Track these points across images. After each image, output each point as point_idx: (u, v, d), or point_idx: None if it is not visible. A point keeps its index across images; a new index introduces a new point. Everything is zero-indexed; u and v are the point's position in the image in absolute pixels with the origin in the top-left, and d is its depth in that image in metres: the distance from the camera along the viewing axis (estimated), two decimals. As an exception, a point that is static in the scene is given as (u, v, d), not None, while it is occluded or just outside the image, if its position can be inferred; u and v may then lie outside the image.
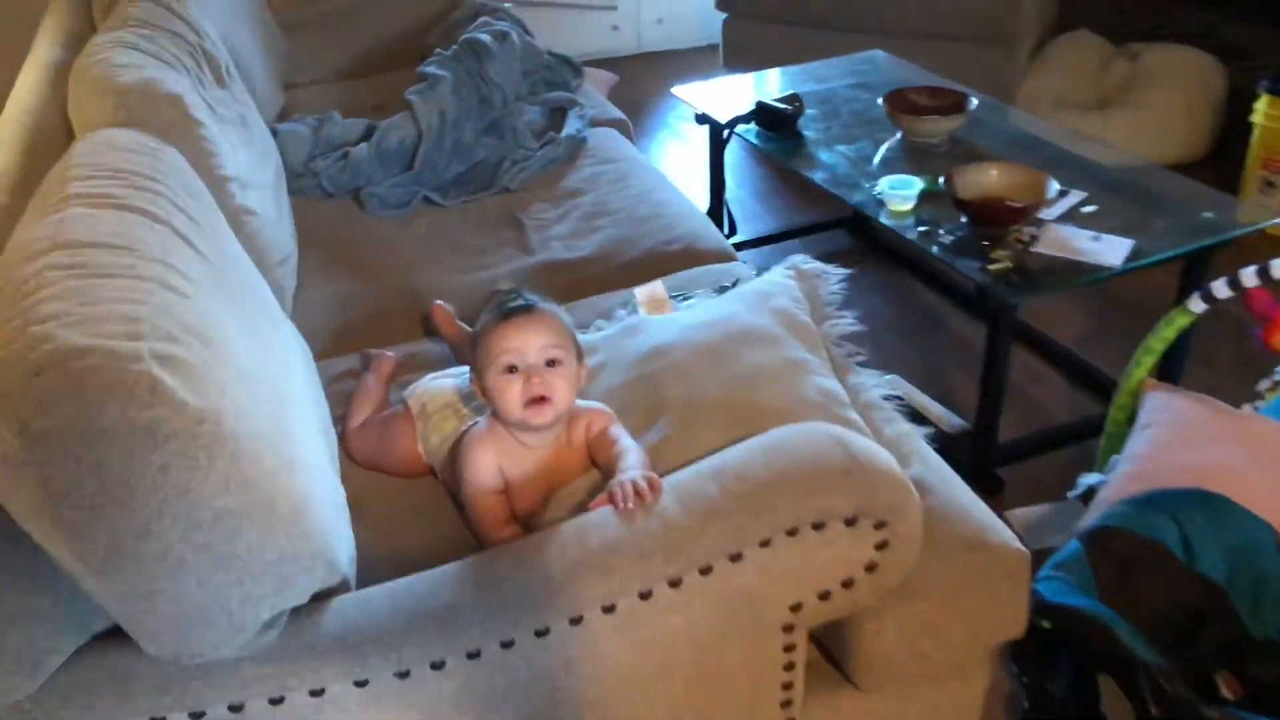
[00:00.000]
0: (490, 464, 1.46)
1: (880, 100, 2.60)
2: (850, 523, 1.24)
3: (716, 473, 1.28)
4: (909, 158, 2.50)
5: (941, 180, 2.19)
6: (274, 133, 2.48)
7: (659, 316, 1.74)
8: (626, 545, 1.22)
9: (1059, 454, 2.30)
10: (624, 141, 2.75)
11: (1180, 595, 1.67)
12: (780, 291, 1.71)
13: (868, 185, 2.36)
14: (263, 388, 1.26)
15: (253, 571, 1.11)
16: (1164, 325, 2.01)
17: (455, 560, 1.28)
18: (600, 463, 1.47)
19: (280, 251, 2.06)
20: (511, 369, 1.41)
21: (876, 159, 2.51)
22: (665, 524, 1.23)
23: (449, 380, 1.68)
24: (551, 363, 1.42)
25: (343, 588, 1.28)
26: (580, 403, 1.51)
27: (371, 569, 1.38)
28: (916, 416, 1.71)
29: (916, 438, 1.52)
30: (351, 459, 1.72)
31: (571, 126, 2.67)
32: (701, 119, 2.89)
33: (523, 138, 2.61)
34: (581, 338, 1.77)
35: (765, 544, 1.22)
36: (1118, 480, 1.87)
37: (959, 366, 2.65)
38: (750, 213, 3.38)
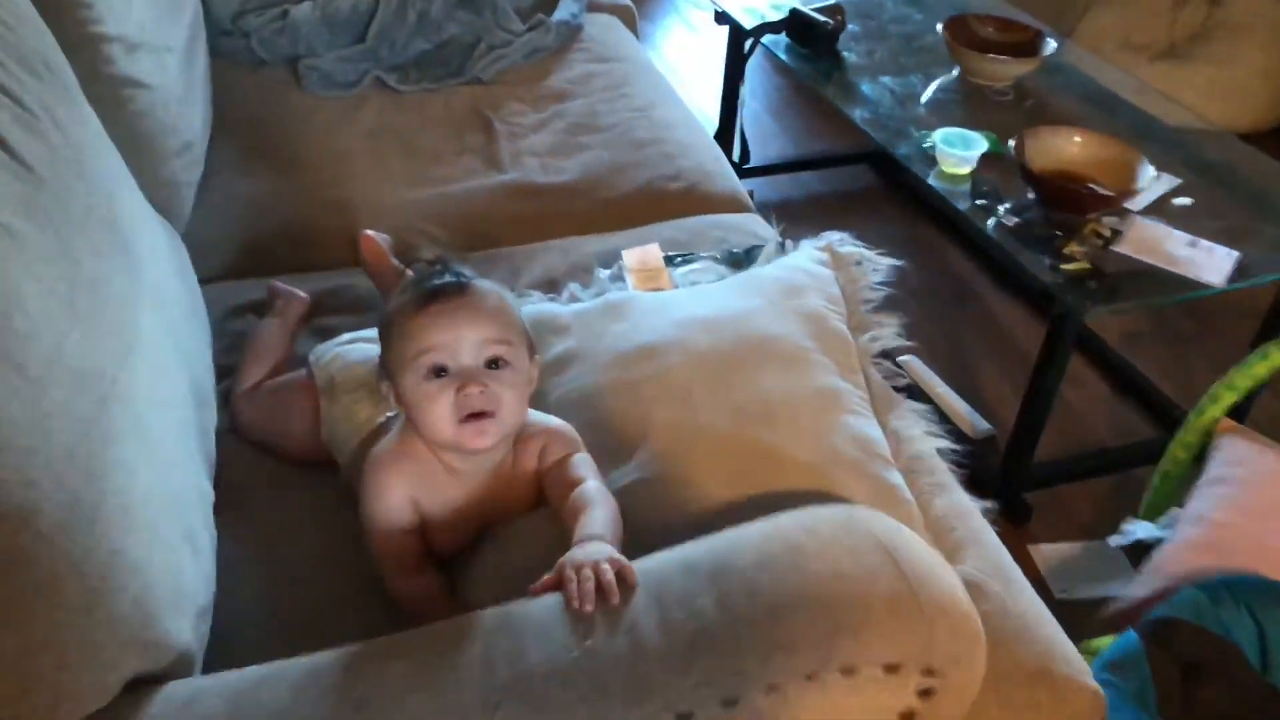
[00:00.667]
0: (400, 495, 1.08)
1: (939, 27, 2.15)
2: (892, 669, 0.88)
3: (715, 573, 0.91)
4: (965, 103, 2.08)
5: (1011, 143, 1.77)
6: (197, -26, 1.99)
7: (651, 294, 1.34)
8: (577, 673, 0.86)
9: (1098, 481, 1.96)
10: (626, 34, 2.29)
11: (1252, 713, 1.35)
12: (810, 284, 1.32)
13: (917, 134, 1.94)
14: (66, 387, 0.86)
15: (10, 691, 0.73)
16: (1256, 360, 1.65)
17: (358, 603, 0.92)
18: (553, 504, 1.10)
19: (180, 137, 1.62)
20: (438, 372, 1.02)
21: (925, 97, 2.09)
22: (635, 647, 0.87)
23: (370, 350, 1.27)
24: (494, 363, 1.03)
25: (180, 666, 0.92)
26: (534, 415, 1.12)
27: (241, 593, 1.11)
28: (933, 410, 1.34)
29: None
30: (237, 430, 1.33)
31: (565, 10, 2.20)
32: (722, 18, 2.42)
33: (504, 17, 2.14)
34: (545, 306, 1.38)
35: (772, 689, 0.87)
36: (1180, 547, 1.54)
37: (988, 352, 2.28)
38: (763, 131, 2.93)
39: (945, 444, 1.22)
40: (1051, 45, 2.11)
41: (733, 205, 1.81)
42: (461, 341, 1.02)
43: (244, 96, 1.95)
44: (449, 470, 1.08)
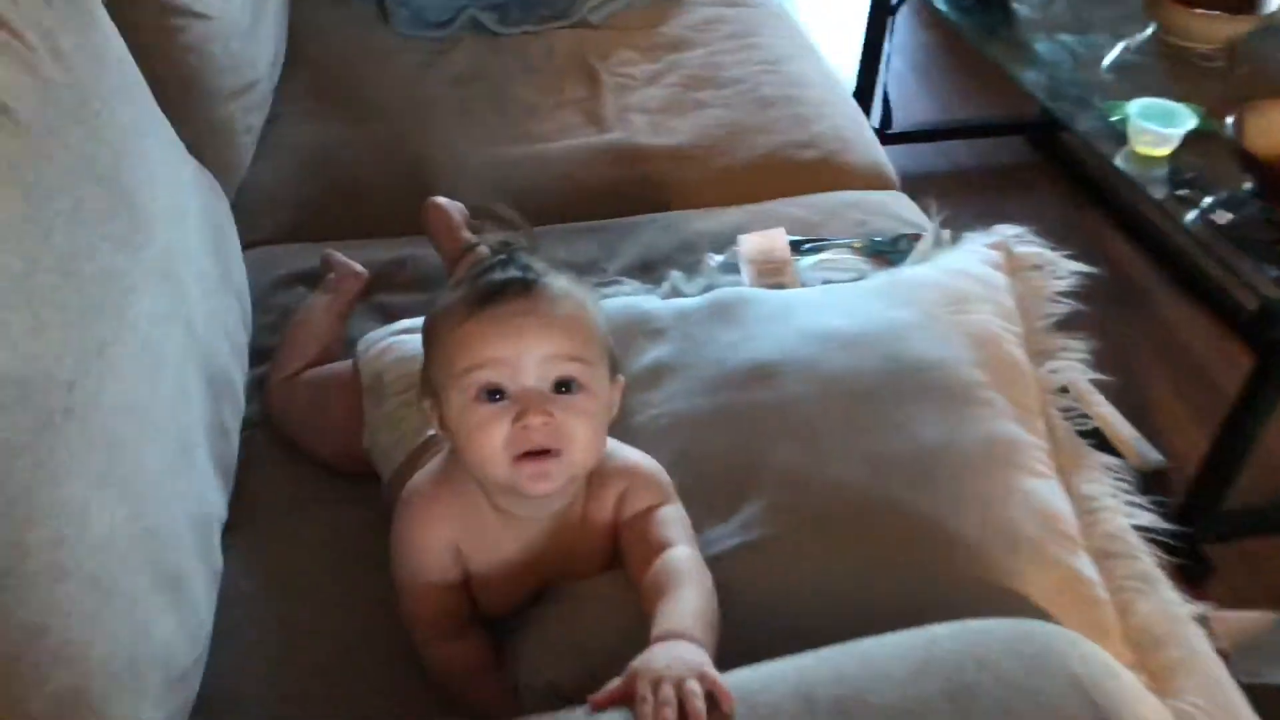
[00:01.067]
0: (441, 541, 0.85)
1: (1136, -27, 1.80)
2: None
3: (840, 707, 0.65)
4: (1161, 68, 1.73)
5: (1229, 121, 1.44)
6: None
7: (772, 292, 1.08)
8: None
9: (1296, 539, 1.63)
10: (758, -24, 1.99)
11: None
12: (980, 293, 1.03)
13: (1103, 105, 1.61)
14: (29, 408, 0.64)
15: None
16: None
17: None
18: (629, 568, 0.85)
19: (242, 76, 1.41)
20: (493, 394, 0.78)
21: (1112, 60, 1.75)
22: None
23: None
24: (564, 386, 0.79)
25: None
26: (614, 449, 0.88)
27: (243, 639, 0.93)
28: (1097, 440, 1.04)
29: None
30: (272, 418, 1.13)
31: (690, -56, 1.91)
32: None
33: (621, -49, 1.87)
34: (638, 300, 1.13)
35: None
36: None
37: (1160, 368, 1.95)
38: (905, 93, 2.59)
39: (1148, 516, 0.93)
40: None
41: (875, 181, 1.52)
42: (524, 357, 0.77)
43: (322, 31, 1.73)
44: (502, 515, 0.85)
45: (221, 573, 0.95)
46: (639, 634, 0.74)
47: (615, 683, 0.71)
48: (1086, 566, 0.85)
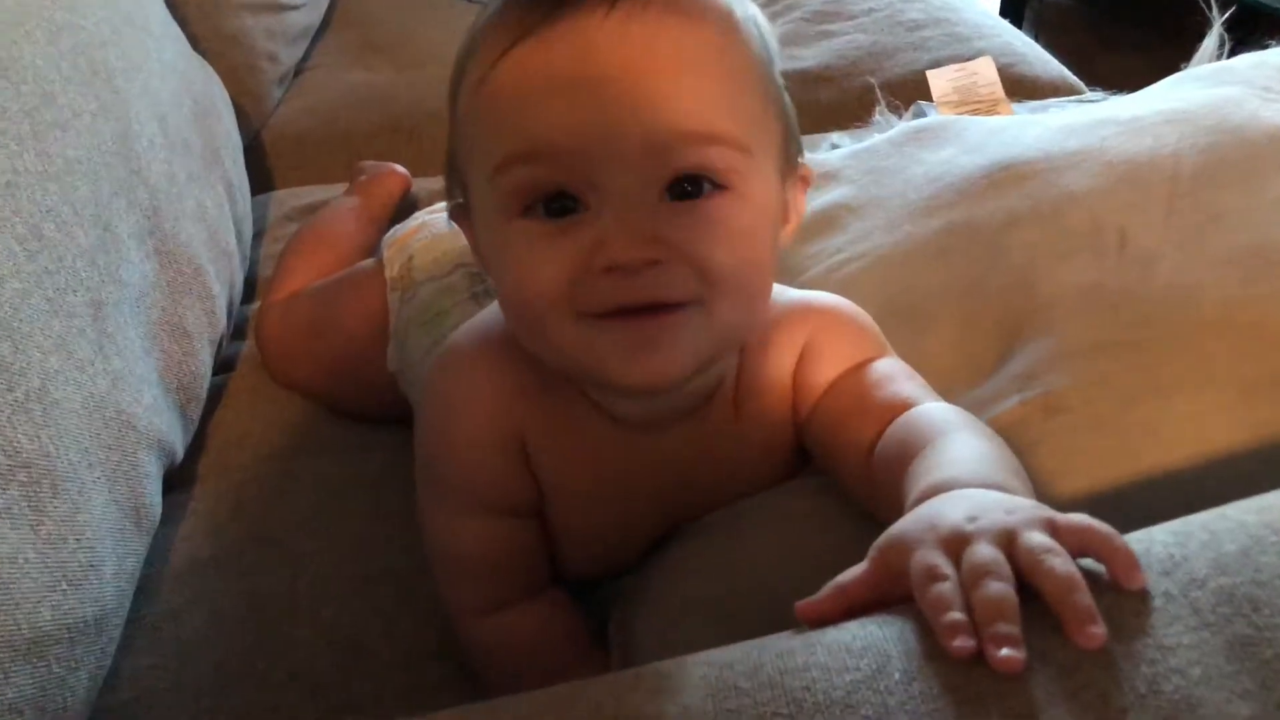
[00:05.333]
0: (501, 426, 0.49)
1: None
2: None
3: None
4: None
5: None
6: None
7: (995, 117, 0.72)
8: None
9: None
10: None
11: None
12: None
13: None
14: None
15: None
16: None
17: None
18: (839, 461, 0.48)
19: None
20: (554, 202, 0.42)
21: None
22: None
23: None
24: (689, 184, 0.41)
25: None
26: (780, 290, 0.51)
27: (196, 610, 0.59)
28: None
29: None
30: (263, 349, 0.78)
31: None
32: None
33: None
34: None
35: None
36: None
37: None
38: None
39: None
40: None
41: (1065, 90, 1.17)
42: (612, 137, 0.40)
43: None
44: (597, 410, 0.49)
45: (156, 524, 0.59)
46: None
47: (851, 573, 0.33)
48: None
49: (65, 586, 0.46)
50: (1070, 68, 1.29)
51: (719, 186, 0.42)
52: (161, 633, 0.56)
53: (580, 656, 0.51)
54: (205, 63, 0.95)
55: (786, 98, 0.48)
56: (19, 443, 0.44)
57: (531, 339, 0.45)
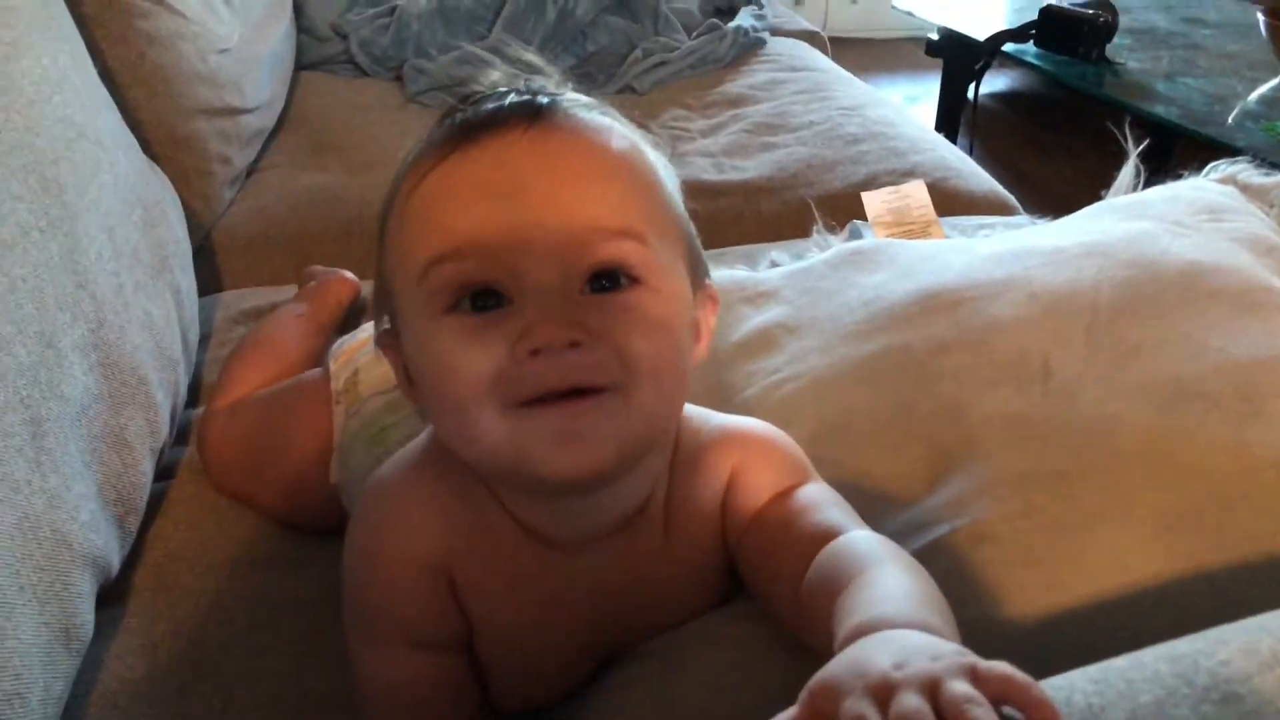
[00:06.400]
0: (425, 558, 0.50)
1: (1260, 14, 1.57)
2: None
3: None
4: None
5: None
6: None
7: (927, 241, 0.75)
8: None
9: None
10: (819, 55, 1.78)
11: None
12: (1234, 206, 0.70)
13: (1260, 124, 1.33)
14: None
15: None
16: None
17: None
18: (767, 588, 0.49)
19: (222, 98, 1.16)
20: (480, 299, 0.44)
21: (1252, 99, 1.48)
22: None
23: None
24: (604, 279, 0.44)
25: None
26: (707, 415, 0.53)
27: None
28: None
29: None
30: (204, 457, 0.78)
31: (745, 19, 1.72)
32: (938, 48, 1.90)
33: (666, 24, 1.68)
34: (735, 272, 0.80)
35: None
36: None
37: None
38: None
39: None
40: None
41: (997, 206, 1.22)
42: (531, 234, 0.43)
43: (326, 101, 1.50)
44: (525, 532, 0.49)
45: (88, 643, 0.58)
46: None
47: (783, 717, 0.33)
48: None
49: (-11, 719, 0.45)
50: (1004, 170, 1.35)
51: (634, 280, 0.44)
52: (88, 759, 0.55)
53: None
54: (157, 169, 0.96)
55: (690, 224, 0.50)
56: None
57: (458, 438, 0.45)
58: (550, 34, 1.61)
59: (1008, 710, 0.30)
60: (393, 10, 1.62)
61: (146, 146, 0.98)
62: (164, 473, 0.78)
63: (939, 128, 1.97)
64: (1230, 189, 0.78)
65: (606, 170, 0.46)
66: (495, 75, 0.50)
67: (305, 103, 1.48)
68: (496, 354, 0.42)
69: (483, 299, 0.43)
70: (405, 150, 0.49)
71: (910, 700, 0.30)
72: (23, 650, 0.48)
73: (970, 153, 1.95)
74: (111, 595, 0.66)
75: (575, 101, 0.48)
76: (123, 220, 0.76)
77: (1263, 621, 0.32)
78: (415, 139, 0.49)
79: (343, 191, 1.21)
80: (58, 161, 0.65)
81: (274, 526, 0.74)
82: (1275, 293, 0.58)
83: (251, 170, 1.28)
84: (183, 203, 1.00)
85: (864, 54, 3.80)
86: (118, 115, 0.87)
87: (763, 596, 0.50)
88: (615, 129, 0.48)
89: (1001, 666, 0.31)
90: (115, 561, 0.64)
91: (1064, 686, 0.32)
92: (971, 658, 0.32)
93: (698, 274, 0.50)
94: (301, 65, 1.58)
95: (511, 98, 0.47)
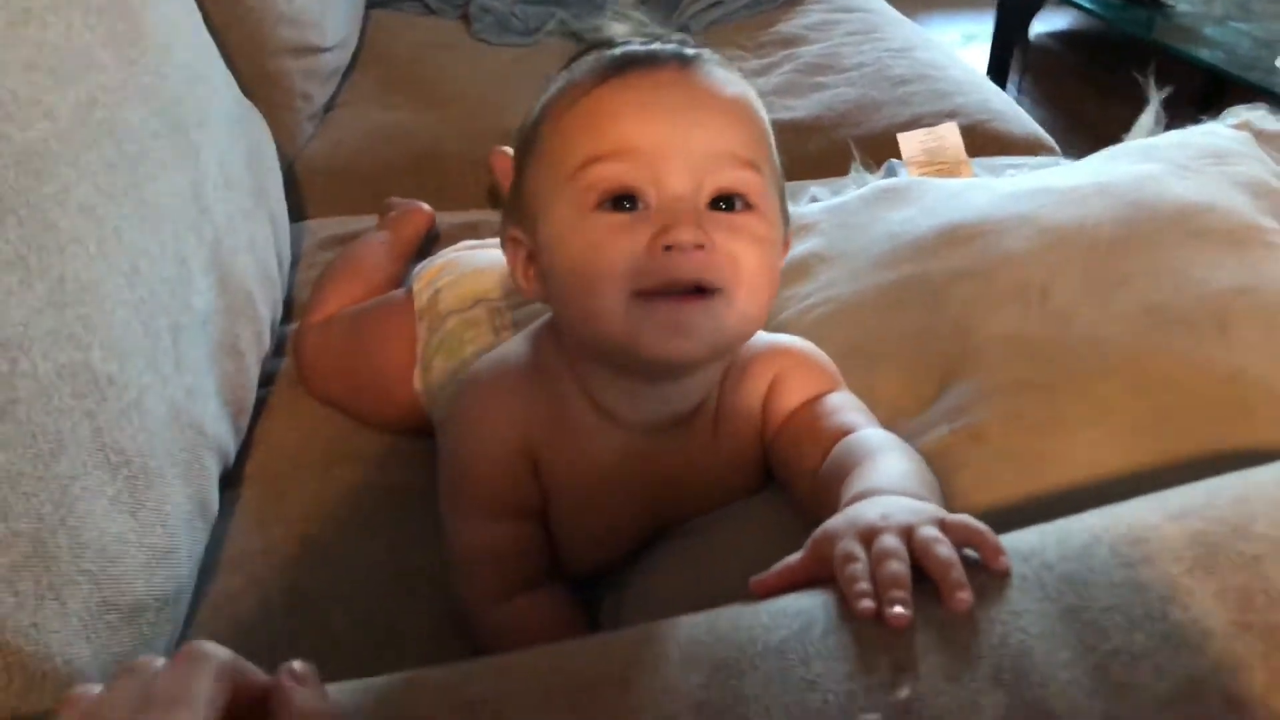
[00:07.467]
0: (513, 432, 0.59)
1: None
2: None
3: (1210, 547, 0.36)
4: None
5: None
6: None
7: (955, 179, 0.82)
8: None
9: None
10: (875, -2, 1.82)
11: None
12: (1241, 150, 0.76)
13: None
14: None
15: None
16: None
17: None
18: (793, 482, 0.58)
19: (305, 37, 1.25)
20: (622, 201, 0.53)
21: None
22: (1029, 709, 0.33)
23: (498, 255, 0.78)
24: (726, 201, 0.53)
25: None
26: (761, 335, 0.62)
27: (243, 600, 0.67)
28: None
29: None
30: (301, 369, 0.88)
31: (799, -40, 1.76)
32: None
33: (723, -35, 1.72)
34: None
35: None
36: None
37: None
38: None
39: None
40: None
41: (1036, 147, 1.27)
42: (676, 149, 0.52)
43: (397, 42, 1.59)
44: (601, 414, 0.58)
45: (215, 517, 0.69)
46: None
47: (794, 557, 0.42)
48: None
49: (154, 564, 0.55)
50: (1058, 112, 1.39)
51: (747, 206, 0.53)
52: (221, 611, 0.65)
53: (579, 634, 0.60)
54: (253, 106, 1.05)
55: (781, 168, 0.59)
56: (123, 444, 0.54)
57: (583, 315, 0.54)
58: (610, -25, 1.66)
59: (968, 552, 0.39)
60: (459, -50, 1.68)
61: (238, 81, 1.07)
62: (264, 380, 0.88)
63: (991, 67, 2.00)
64: (1244, 134, 0.83)
65: (738, 112, 0.55)
66: (621, 28, 0.60)
67: (376, 41, 1.57)
68: (636, 245, 0.51)
69: (624, 200, 0.52)
70: (548, 80, 0.58)
71: (889, 540, 0.39)
72: (175, 514, 0.59)
73: (1019, 92, 1.98)
74: (228, 482, 0.76)
75: (712, 58, 0.57)
76: (231, 153, 0.86)
77: (1180, 490, 0.40)
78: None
79: (414, 128, 1.30)
80: (181, 102, 0.74)
81: (362, 427, 0.84)
82: (1262, 230, 0.65)
83: (329, 107, 1.37)
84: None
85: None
86: (219, 55, 0.96)
87: (788, 485, 0.59)
88: (743, 83, 0.57)
89: (964, 518, 0.39)
90: (232, 452, 0.75)
91: (1015, 537, 0.40)
92: (942, 512, 0.40)
93: (784, 208, 0.59)
94: (371, 3, 1.66)
95: (660, 45, 0.56)
